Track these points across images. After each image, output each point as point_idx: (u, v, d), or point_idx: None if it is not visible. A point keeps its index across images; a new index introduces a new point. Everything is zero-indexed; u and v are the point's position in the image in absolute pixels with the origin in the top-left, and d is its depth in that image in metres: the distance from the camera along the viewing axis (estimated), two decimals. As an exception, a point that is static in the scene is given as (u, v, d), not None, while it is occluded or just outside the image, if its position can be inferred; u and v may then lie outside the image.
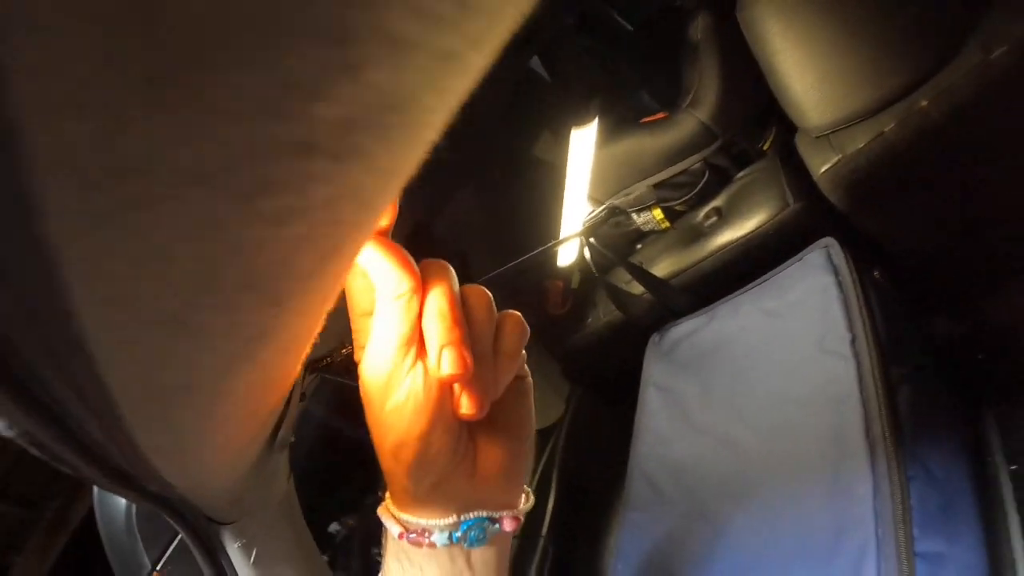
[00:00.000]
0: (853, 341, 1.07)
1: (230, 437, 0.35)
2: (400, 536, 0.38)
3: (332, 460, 1.49)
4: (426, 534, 0.38)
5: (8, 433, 0.20)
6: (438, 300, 0.33)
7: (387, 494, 0.39)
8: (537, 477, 1.48)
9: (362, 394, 0.35)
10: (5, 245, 0.13)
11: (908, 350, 1.11)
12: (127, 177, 0.12)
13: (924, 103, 1.14)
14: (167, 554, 0.83)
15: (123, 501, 0.81)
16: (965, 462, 1.04)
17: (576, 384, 1.74)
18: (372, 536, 1.40)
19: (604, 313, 1.68)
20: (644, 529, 1.19)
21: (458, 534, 0.38)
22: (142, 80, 0.11)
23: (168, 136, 0.12)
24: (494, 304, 0.35)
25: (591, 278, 1.71)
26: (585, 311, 1.74)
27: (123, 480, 0.35)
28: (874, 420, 0.96)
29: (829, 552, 0.89)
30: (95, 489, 0.83)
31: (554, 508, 1.45)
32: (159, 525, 0.82)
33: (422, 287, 0.33)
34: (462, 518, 0.38)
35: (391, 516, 0.39)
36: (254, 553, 0.69)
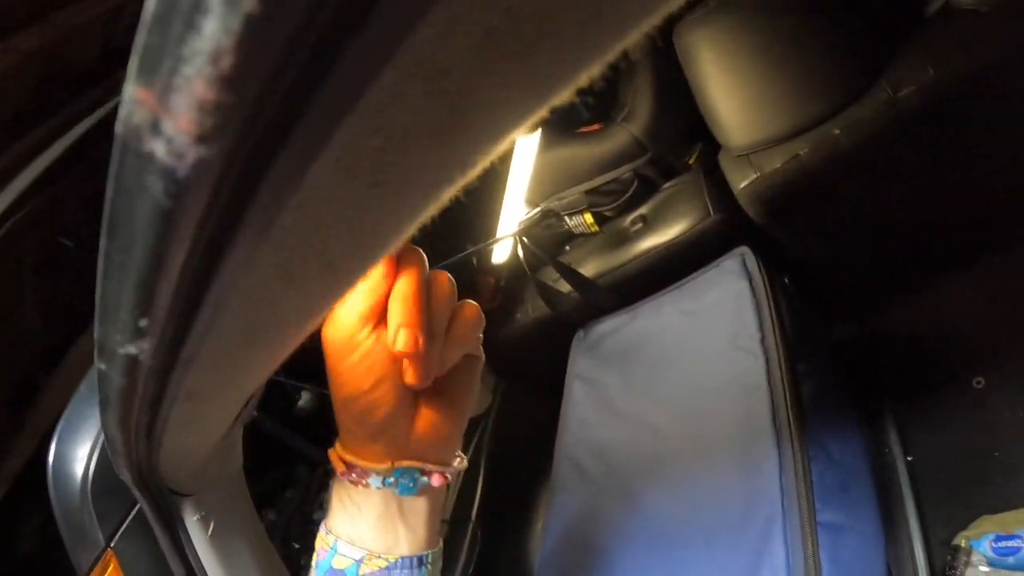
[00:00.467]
0: (763, 339, 1.16)
1: (241, 392, 0.39)
2: (342, 475, 0.43)
3: (249, 455, 1.47)
4: (364, 476, 0.42)
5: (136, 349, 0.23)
6: (406, 283, 0.37)
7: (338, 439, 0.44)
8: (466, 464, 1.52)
9: (325, 350, 0.39)
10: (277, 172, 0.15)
11: (812, 349, 1.23)
12: (382, 175, 0.17)
13: (836, 131, 1.26)
14: (121, 530, 0.82)
15: (79, 477, 0.80)
16: (862, 449, 1.17)
17: (503, 376, 1.79)
18: (292, 529, 1.40)
19: (533, 309, 1.74)
20: (571, 509, 1.25)
21: (391, 480, 0.43)
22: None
23: (429, 161, 0.18)
24: (456, 292, 0.40)
25: (521, 275, 1.78)
26: (514, 307, 1.79)
27: (127, 441, 0.39)
28: (780, 408, 1.06)
29: (741, 522, 0.97)
30: (50, 465, 0.81)
31: (482, 494, 1.49)
32: (113, 501, 0.81)
33: (395, 268, 0.37)
34: (396, 466, 0.43)
35: (337, 457, 0.43)
36: (212, 526, 0.71)
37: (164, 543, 0.68)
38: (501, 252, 1.75)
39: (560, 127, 1.68)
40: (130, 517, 0.80)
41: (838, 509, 0.98)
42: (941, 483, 1.28)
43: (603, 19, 0.15)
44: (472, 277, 1.81)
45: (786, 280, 1.33)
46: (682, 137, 1.62)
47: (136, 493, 0.58)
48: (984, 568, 1.11)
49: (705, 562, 0.99)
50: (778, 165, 1.31)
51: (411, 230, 0.23)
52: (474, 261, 1.80)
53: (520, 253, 1.63)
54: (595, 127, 1.64)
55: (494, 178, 1.59)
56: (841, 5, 1.28)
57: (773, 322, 1.19)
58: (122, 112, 0.12)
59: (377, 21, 0.11)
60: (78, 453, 0.80)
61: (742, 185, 1.36)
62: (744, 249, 1.35)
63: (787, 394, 1.08)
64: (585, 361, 1.50)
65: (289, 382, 1.46)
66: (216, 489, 0.72)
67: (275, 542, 1.34)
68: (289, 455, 1.47)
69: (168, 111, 0.11)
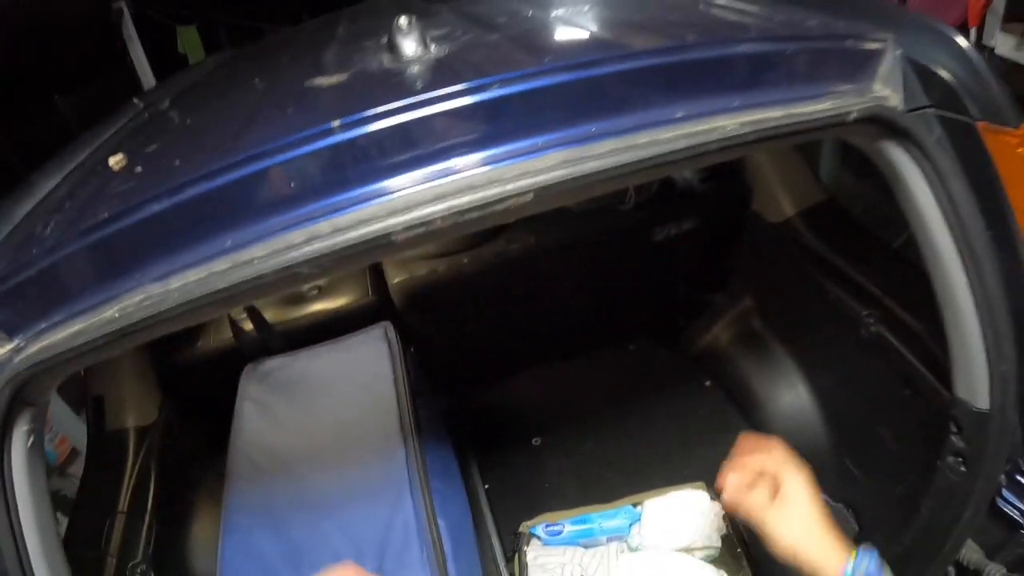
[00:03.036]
0: (394, 379, 1.71)
1: None
2: None
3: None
4: None
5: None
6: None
7: None
8: (138, 468, 1.71)
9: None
10: None
11: (425, 391, 1.84)
12: None
13: (464, 260, 1.88)
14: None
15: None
16: (455, 455, 1.81)
17: (168, 393, 1.92)
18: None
19: (215, 339, 1.99)
20: (249, 498, 1.52)
21: None
22: None
23: None
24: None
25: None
26: (199, 332, 2.01)
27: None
28: (405, 421, 1.60)
29: (382, 489, 1.48)
30: None
31: (154, 494, 1.69)
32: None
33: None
34: None
35: None
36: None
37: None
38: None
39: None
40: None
41: (442, 482, 1.57)
42: (510, 504, 1.87)
43: None
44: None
45: (412, 349, 1.93)
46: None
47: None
48: (540, 546, 1.72)
49: (356, 517, 1.42)
50: (422, 273, 1.89)
51: None
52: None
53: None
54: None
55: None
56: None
57: (401, 369, 1.74)
58: None
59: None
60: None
61: (395, 281, 1.93)
62: (387, 323, 1.87)
63: (410, 416, 1.63)
64: (255, 387, 1.81)
65: None
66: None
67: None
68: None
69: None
